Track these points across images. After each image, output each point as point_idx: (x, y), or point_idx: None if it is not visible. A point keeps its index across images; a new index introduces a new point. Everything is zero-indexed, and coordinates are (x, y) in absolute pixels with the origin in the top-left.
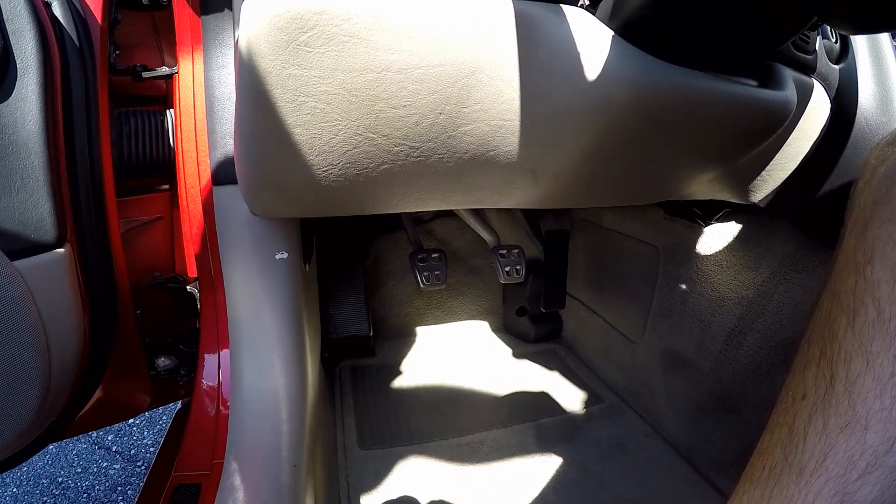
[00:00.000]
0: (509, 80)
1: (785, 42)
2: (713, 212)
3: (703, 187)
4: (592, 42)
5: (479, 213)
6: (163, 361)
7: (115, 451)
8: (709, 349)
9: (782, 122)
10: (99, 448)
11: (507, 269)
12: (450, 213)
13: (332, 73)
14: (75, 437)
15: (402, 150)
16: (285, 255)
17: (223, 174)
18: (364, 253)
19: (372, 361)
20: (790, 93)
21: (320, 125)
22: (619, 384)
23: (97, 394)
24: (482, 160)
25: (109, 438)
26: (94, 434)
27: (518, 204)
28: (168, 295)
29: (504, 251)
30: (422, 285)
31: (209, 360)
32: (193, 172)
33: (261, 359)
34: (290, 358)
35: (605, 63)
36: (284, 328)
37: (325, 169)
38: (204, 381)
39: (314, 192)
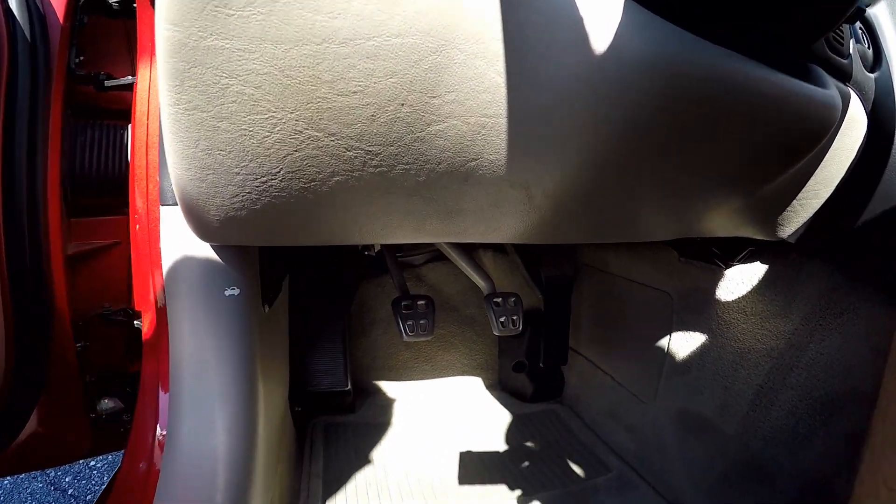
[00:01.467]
0: (492, 59)
1: (830, 28)
2: (735, 252)
3: (725, 221)
4: (601, 6)
5: (472, 257)
6: (105, 404)
7: (71, 495)
8: (734, 410)
9: (829, 127)
10: (55, 489)
11: (502, 319)
12: (441, 258)
13: (259, 44)
14: (32, 475)
15: (356, 156)
16: (236, 292)
17: (171, 192)
18: (347, 297)
19: (350, 419)
20: (835, 95)
21: (250, 118)
22: (629, 450)
23: (32, 428)
24: (461, 173)
25: (67, 480)
26: (52, 473)
27: (509, 237)
28: (117, 329)
29: (499, 299)
30: (405, 336)
31: (147, 408)
32: (143, 190)
33: (201, 411)
34: (236, 413)
35: (618, 33)
36: (230, 378)
37: (262, 180)
38: (139, 432)
39: (254, 212)
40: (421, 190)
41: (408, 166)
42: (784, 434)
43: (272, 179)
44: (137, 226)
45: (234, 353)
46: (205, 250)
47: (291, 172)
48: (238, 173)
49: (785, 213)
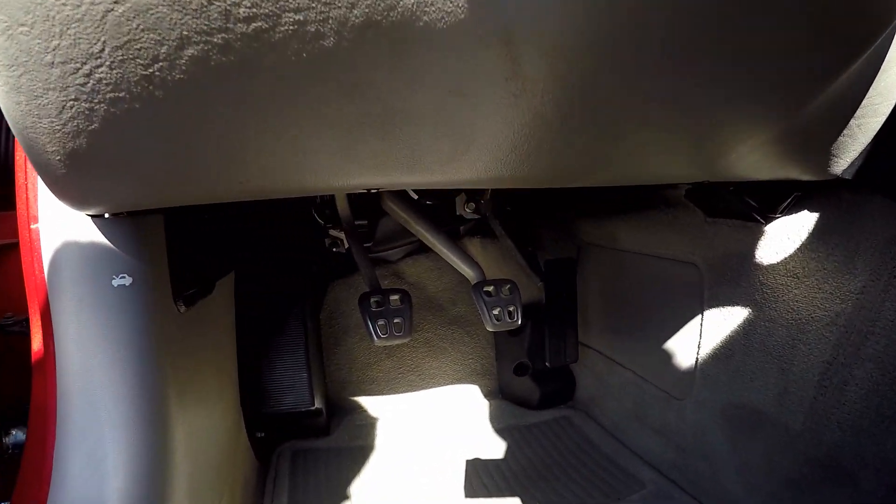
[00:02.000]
0: None
1: None
2: (775, 201)
3: (761, 159)
4: None
5: (457, 245)
6: (15, 436)
7: None
8: (797, 397)
9: None
10: None
11: (495, 311)
12: (422, 251)
13: None
14: None
15: (217, 9)
16: (126, 281)
17: None
18: (312, 300)
19: (322, 443)
20: None
21: None
22: (664, 459)
23: None
24: (398, 27)
25: None
26: None
27: (487, 165)
28: (21, 343)
29: (491, 288)
30: (376, 339)
31: (35, 440)
32: (21, 164)
33: (89, 443)
34: (134, 446)
35: None
36: (125, 398)
37: (84, 69)
38: (27, 471)
39: (97, 137)
40: (336, 71)
41: (307, 26)
42: (865, 419)
43: (98, 65)
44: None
45: (130, 366)
46: (85, 226)
47: (120, 48)
48: (52, 63)
49: (838, 140)
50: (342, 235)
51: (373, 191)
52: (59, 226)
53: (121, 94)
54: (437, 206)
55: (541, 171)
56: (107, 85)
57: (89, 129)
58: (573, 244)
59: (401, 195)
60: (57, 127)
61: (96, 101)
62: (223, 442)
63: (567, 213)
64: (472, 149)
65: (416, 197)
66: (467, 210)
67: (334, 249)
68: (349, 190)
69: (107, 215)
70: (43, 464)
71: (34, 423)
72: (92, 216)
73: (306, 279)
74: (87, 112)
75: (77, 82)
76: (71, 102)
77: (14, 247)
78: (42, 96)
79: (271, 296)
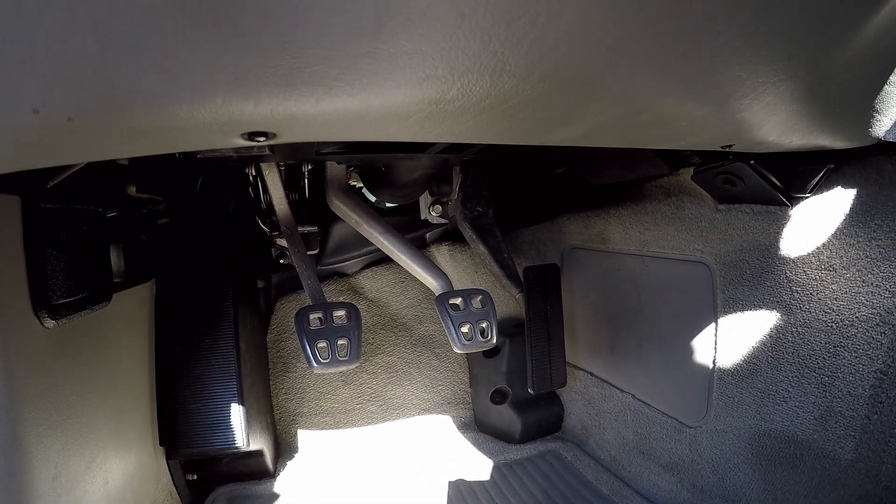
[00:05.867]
0: None
1: None
2: (804, 176)
3: (784, 121)
4: None
5: (421, 254)
6: None
7: None
8: (844, 419)
9: None
10: None
11: (464, 328)
12: (382, 262)
13: None
14: None
15: None
16: None
17: None
18: (255, 320)
19: (266, 488)
20: None
21: None
22: (676, 500)
23: None
24: None
25: None
26: None
27: (421, 68)
28: None
29: (458, 300)
30: (315, 364)
31: None
32: None
33: None
34: None
35: None
36: None
37: None
38: None
39: None
40: None
41: None
42: None
43: None
44: None
45: None
46: None
47: None
48: None
49: (880, 94)
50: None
51: (257, 139)
52: None
53: None
54: (398, 210)
55: (508, 79)
56: None
57: None
58: (557, 248)
59: (353, 194)
60: None
61: None
62: (125, 491)
63: (549, 211)
64: (387, 23)
65: (373, 199)
66: (433, 214)
67: (282, 261)
68: (211, 138)
69: None
70: None
71: None
72: None
73: (246, 294)
74: None
75: None
76: None
77: None
78: None
79: (201, 313)
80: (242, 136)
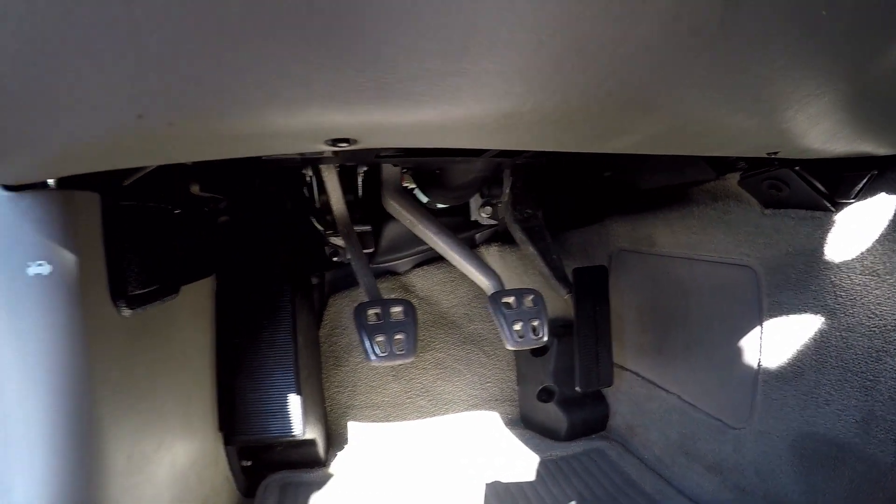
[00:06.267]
0: None
1: None
2: (848, 182)
3: (828, 129)
4: None
5: (472, 253)
6: None
7: None
8: (886, 423)
9: None
10: None
11: (516, 326)
12: (433, 261)
13: None
14: None
15: None
16: (44, 269)
17: None
18: (311, 316)
19: (316, 476)
20: None
21: None
22: (718, 501)
23: None
24: None
25: None
26: None
27: (495, 92)
28: None
29: (510, 299)
30: (373, 358)
31: None
32: None
33: None
34: (48, 473)
35: None
36: (36, 413)
37: None
38: None
39: None
40: None
41: None
42: None
43: None
44: None
45: (47, 374)
46: (1, 203)
47: None
48: None
49: None
50: (343, 243)
51: (340, 144)
52: None
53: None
54: (448, 210)
55: (576, 97)
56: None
57: None
58: (605, 250)
59: (407, 195)
60: None
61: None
62: (189, 473)
63: (597, 214)
64: (473, 47)
65: (425, 200)
66: (483, 215)
67: (335, 259)
68: (297, 144)
69: (27, 192)
70: None
71: None
72: (6, 188)
73: (303, 290)
74: None
75: None
76: None
77: None
78: None
79: (261, 307)
80: (327, 141)
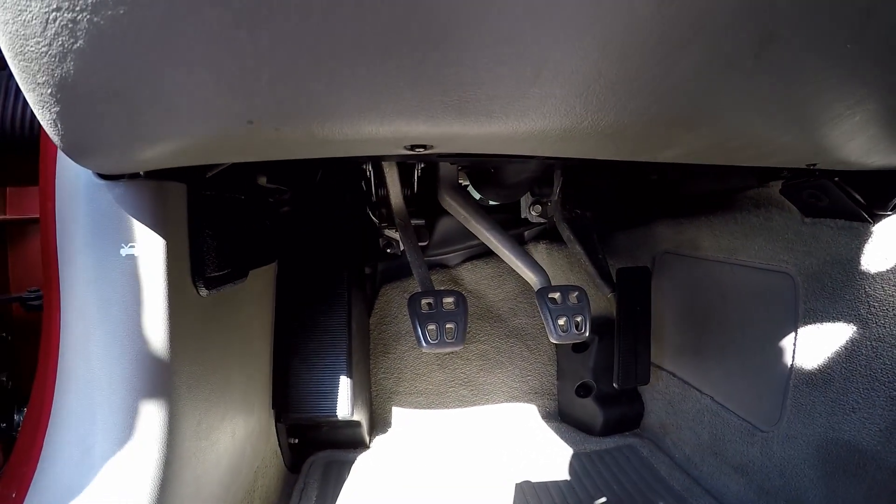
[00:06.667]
0: None
1: None
2: (887, 195)
3: (872, 139)
4: None
5: (521, 249)
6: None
7: None
8: None
9: None
10: None
11: (561, 321)
12: (482, 255)
13: None
14: None
15: None
16: (136, 251)
17: None
18: (364, 304)
19: (359, 456)
20: None
21: None
22: (743, 501)
23: None
24: None
25: None
26: None
27: (559, 111)
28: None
29: (556, 295)
30: (424, 345)
31: (28, 421)
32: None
33: (79, 428)
34: (127, 435)
35: None
36: (119, 382)
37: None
38: (17, 451)
39: (65, 44)
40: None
41: None
42: None
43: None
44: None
45: (131, 346)
46: (96, 190)
47: None
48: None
49: None
50: (397, 236)
51: (417, 149)
52: (71, 191)
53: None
54: (499, 208)
55: (627, 116)
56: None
57: (75, 49)
58: (649, 252)
59: (462, 192)
60: (43, 48)
61: (79, 7)
62: (245, 444)
63: (643, 216)
64: (544, 75)
65: (477, 197)
66: (533, 213)
67: (388, 251)
68: (380, 147)
69: (122, 181)
70: (33, 445)
71: (33, 401)
72: (103, 178)
73: (358, 279)
74: (70, 25)
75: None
76: (54, 14)
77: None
78: (25, 9)
79: (318, 294)
80: (406, 146)
